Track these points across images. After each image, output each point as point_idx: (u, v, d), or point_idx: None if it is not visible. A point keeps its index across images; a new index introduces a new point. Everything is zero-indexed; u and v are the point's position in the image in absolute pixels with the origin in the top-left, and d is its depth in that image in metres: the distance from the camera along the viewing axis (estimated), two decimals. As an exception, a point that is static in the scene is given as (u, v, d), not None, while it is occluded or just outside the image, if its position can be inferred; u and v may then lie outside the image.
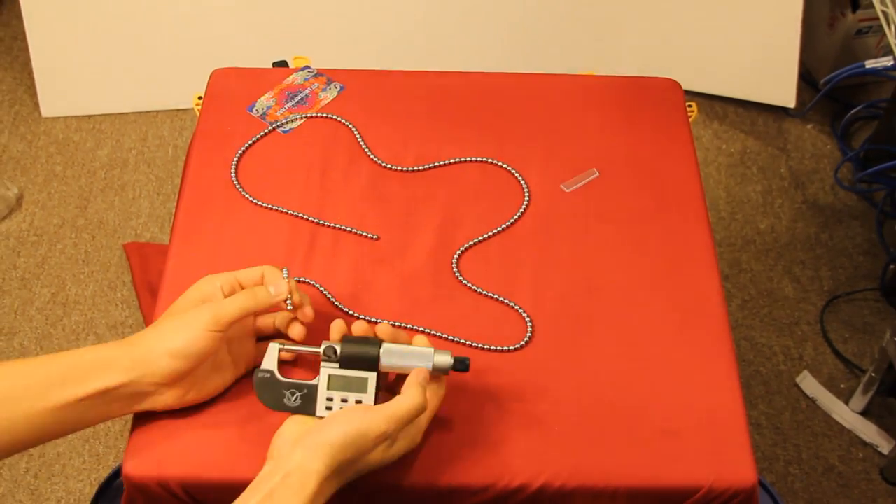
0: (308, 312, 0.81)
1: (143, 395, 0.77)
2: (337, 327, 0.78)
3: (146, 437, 0.80)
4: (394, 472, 0.78)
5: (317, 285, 0.92)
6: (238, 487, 0.71)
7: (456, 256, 0.95)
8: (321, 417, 0.76)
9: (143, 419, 0.81)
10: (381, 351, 0.77)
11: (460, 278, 0.94)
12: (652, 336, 0.89)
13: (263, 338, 0.84)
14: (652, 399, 0.85)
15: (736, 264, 1.66)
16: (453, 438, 0.82)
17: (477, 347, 0.89)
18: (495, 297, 0.92)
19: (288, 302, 0.79)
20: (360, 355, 0.77)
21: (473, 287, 0.93)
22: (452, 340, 0.89)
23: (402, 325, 0.89)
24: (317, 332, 0.83)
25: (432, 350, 0.77)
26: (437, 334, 0.89)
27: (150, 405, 0.78)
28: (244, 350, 0.82)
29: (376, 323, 0.88)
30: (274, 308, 0.80)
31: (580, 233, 0.97)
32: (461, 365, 0.78)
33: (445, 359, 0.77)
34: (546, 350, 0.89)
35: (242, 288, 0.80)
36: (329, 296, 0.91)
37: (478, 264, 0.95)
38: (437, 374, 0.78)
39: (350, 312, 0.90)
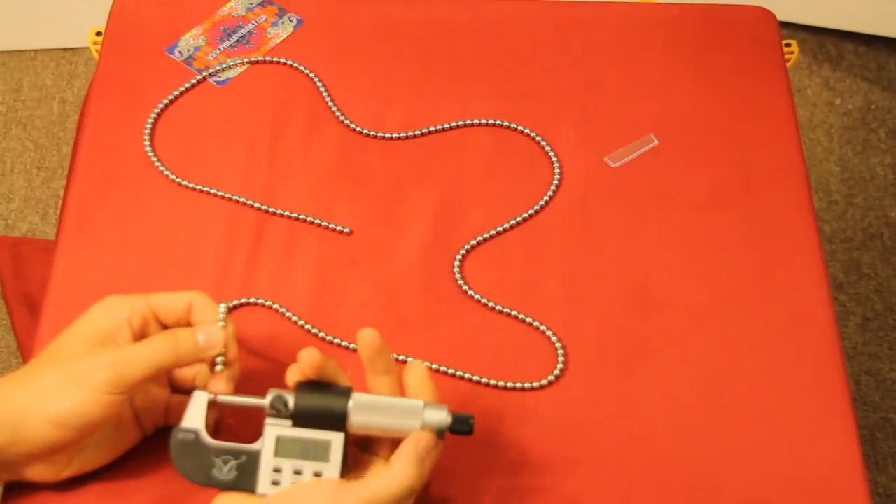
0: (236, 370, 0.82)
1: (8, 466, 0.78)
2: (305, 362, 0.77)
3: None
4: None
5: (268, 303, 0.93)
6: None
7: (459, 258, 0.96)
8: (264, 496, 0.77)
9: (17, 493, 0.81)
10: (352, 404, 0.77)
11: (465, 288, 0.95)
12: (731, 370, 0.91)
13: (179, 389, 0.85)
14: (731, 459, 0.86)
15: (854, 268, 1.67)
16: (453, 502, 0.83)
17: (487, 385, 0.89)
18: (513, 313, 0.93)
19: (220, 359, 0.80)
20: (322, 409, 0.77)
21: (483, 300, 0.94)
22: (453, 375, 0.90)
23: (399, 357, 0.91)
24: (263, 372, 0.83)
25: (421, 404, 0.78)
26: (432, 366, 0.90)
27: (14, 477, 0.79)
28: (153, 402, 0.83)
29: (348, 349, 0.89)
30: (201, 360, 0.80)
31: (631, 224, 0.98)
32: (462, 425, 0.79)
33: (440, 416, 0.78)
34: (583, 389, 0.90)
35: (159, 322, 0.81)
36: (283, 310, 0.92)
37: (489, 269, 0.96)
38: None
39: (317, 333, 0.91)
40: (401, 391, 0.80)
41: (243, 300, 0.93)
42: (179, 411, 0.79)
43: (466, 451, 0.85)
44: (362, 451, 0.81)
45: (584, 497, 0.84)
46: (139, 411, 0.82)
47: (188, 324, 0.81)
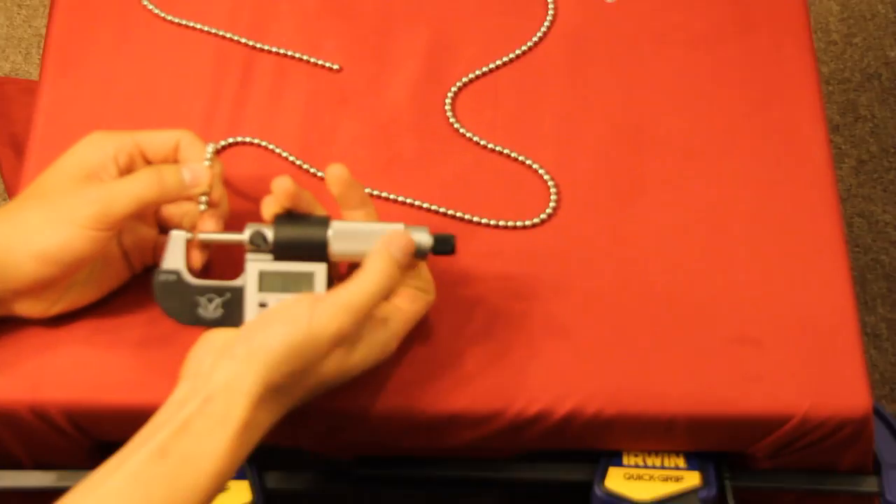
0: (225, 209, 0.82)
1: None
2: (280, 190, 0.76)
3: (14, 350, 0.82)
4: (368, 394, 0.81)
5: (256, 141, 0.93)
6: (141, 416, 0.72)
7: (451, 95, 0.96)
8: None
9: (8, 328, 0.82)
10: (331, 232, 0.77)
11: (457, 126, 0.95)
12: (725, 209, 0.91)
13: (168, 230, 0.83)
14: (724, 296, 0.87)
15: (851, 109, 1.65)
16: (446, 349, 0.83)
17: (480, 224, 0.90)
18: (505, 152, 0.93)
19: (203, 198, 0.80)
20: (302, 240, 0.77)
21: (475, 138, 0.94)
22: (444, 214, 0.90)
23: (374, 192, 0.91)
24: (253, 211, 0.82)
25: (402, 225, 0.78)
26: (423, 205, 0.90)
27: (4, 313, 0.80)
28: (141, 240, 0.83)
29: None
30: (184, 198, 0.80)
31: (628, 61, 0.98)
32: (443, 245, 0.78)
33: (421, 237, 0.78)
34: (576, 226, 0.90)
35: (146, 161, 0.80)
36: (273, 147, 0.92)
37: (482, 106, 0.95)
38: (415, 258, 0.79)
39: (308, 168, 0.91)
40: None
41: (231, 140, 0.93)
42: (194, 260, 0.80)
43: (458, 286, 0.85)
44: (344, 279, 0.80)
45: (574, 325, 0.85)
46: (127, 249, 0.82)
47: (175, 162, 0.80)
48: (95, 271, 0.81)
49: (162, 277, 0.77)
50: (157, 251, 0.82)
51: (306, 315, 0.73)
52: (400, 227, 0.77)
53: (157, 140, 0.80)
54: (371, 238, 0.77)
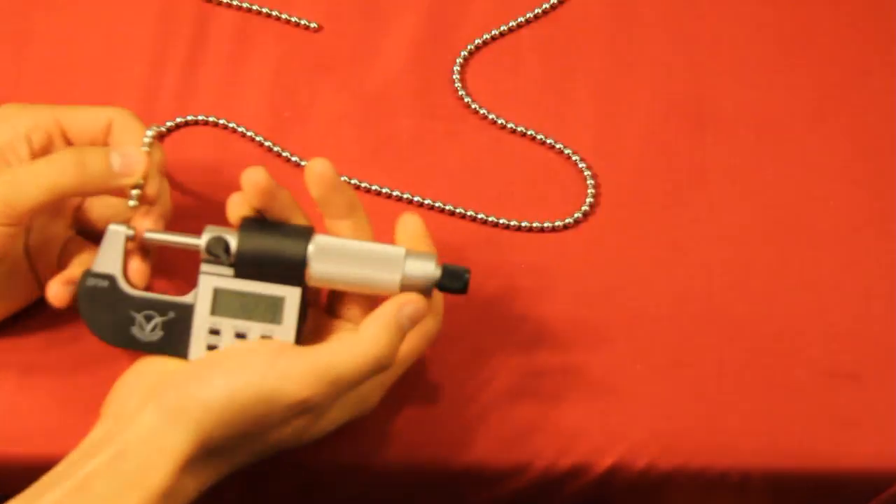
0: (167, 206, 0.80)
1: None
2: (250, 185, 0.74)
3: None
4: (355, 443, 0.80)
5: (211, 119, 0.92)
6: (44, 469, 0.71)
7: (460, 61, 0.95)
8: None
9: None
10: (313, 249, 0.75)
11: (468, 101, 0.93)
12: (809, 207, 0.90)
13: (88, 232, 0.83)
14: (809, 319, 0.86)
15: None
16: (456, 387, 0.82)
17: (497, 225, 0.88)
18: (530, 133, 0.92)
19: (135, 192, 0.78)
20: (273, 255, 0.75)
21: (491, 116, 0.93)
22: (451, 213, 0.89)
23: (360, 184, 0.89)
24: (208, 210, 0.82)
25: (402, 251, 0.75)
26: (424, 202, 0.89)
27: None
28: (54, 246, 0.82)
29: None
30: (113, 192, 0.79)
31: (685, 16, 0.97)
32: (453, 281, 0.76)
33: (425, 268, 0.75)
34: (619, 229, 0.89)
35: (67, 142, 0.80)
36: (234, 126, 0.92)
37: (499, 75, 0.95)
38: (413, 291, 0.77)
39: (279, 152, 0.91)
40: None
41: (180, 119, 0.92)
42: (81, 257, 0.79)
43: (471, 307, 0.84)
44: (329, 315, 0.79)
45: (617, 356, 0.83)
46: (36, 255, 0.80)
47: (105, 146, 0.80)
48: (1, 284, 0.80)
49: (90, 282, 0.75)
50: (66, 258, 0.81)
51: (263, 369, 0.71)
52: (400, 252, 0.75)
53: (82, 117, 0.79)
54: (362, 261, 0.75)
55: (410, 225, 0.77)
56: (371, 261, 0.75)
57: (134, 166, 0.77)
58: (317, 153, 0.84)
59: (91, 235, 0.82)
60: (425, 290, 0.75)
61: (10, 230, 0.74)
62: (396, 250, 0.75)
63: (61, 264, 0.80)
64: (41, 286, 0.80)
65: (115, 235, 0.76)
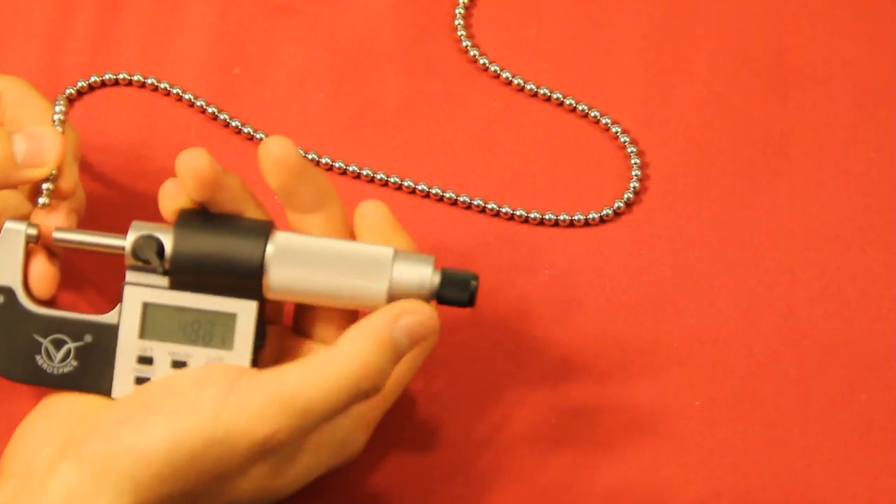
0: (80, 199, 0.78)
1: None
2: (188, 172, 0.71)
3: None
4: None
5: (137, 77, 0.90)
6: None
7: (464, 2, 0.93)
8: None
9: None
10: (272, 250, 0.71)
11: (474, 54, 0.91)
12: None
13: None
14: None
15: None
16: (462, 431, 0.79)
17: (512, 218, 0.86)
18: (556, 97, 0.90)
19: (46, 186, 0.75)
20: (220, 258, 0.72)
21: (504, 75, 0.90)
22: (453, 202, 0.86)
23: (333, 163, 0.87)
24: (132, 200, 0.83)
25: (391, 252, 0.72)
26: (417, 187, 0.87)
27: None
28: None
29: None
30: (16, 184, 0.76)
31: None
32: (457, 290, 0.72)
33: (420, 273, 0.72)
34: (671, 224, 0.86)
35: None
36: (168, 87, 0.90)
37: (516, 22, 0.93)
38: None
39: (226, 121, 0.88)
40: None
41: (95, 79, 0.89)
42: None
43: (478, 329, 0.81)
44: (297, 334, 0.76)
45: (669, 392, 0.80)
46: None
47: None
48: None
49: None
50: None
51: (216, 405, 0.68)
52: (386, 253, 0.71)
53: None
54: (338, 265, 0.72)
55: (371, 215, 0.75)
56: (348, 265, 0.71)
57: (45, 154, 0.74)
58: (275, 123, 0.88)
59: None
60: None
61: None
62: (382, 251, 0.71)
63: None
64: None
65: (13, 235, 0.74)
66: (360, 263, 0.72)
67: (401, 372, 0.75)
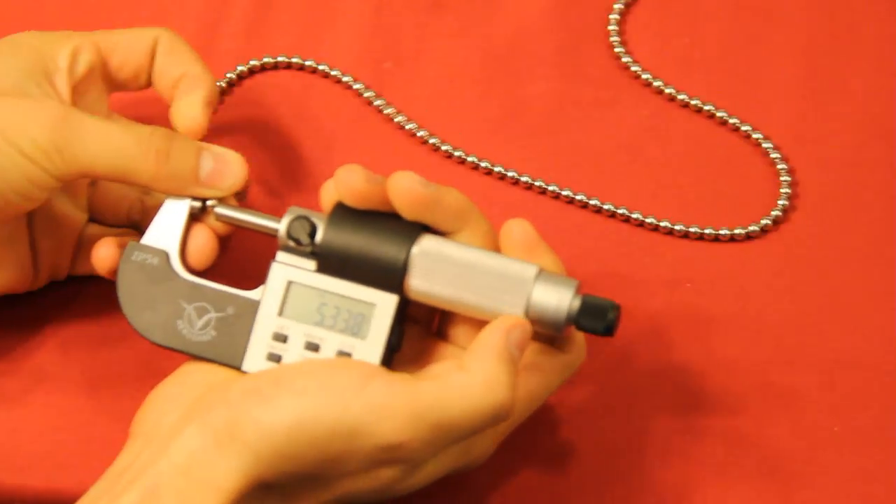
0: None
1: None
2: (344, 186, 0.73)
3: None
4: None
5: (295, 59, 0.91)
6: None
7: (619, 8, 0.93)
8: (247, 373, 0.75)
9: None
10: (417, 250, 0.72)
11: (626, 61, 0.91)
12: None
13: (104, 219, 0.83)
14: None
15: None
16: (586, 443, 0.78)
17: (657, 229, 0.85)
18: (707, 108, 0.90)
19: (213, 203, 0.76)
20: (366, 252, 0.73)
21: (656, 83, 0.90)
22: (596, 209, 0.86)
23: (480, 162, 0.86)
24: (286, 187, 0.82)
25: (534, 270, 0.71)
26: (561, 192, 0.86)
27: None
28: (62, 228, 0.82)
29: (426, 144, 0.87)
30: (189, 195, 0.77)
31: None
32: (595, 318, 0.72)
33: (559, 296, 0.71)
34: (823, 242, 0.85)
35: (109, 74, 0.79)
36: (327, 69, 0.90)
37: (671, 31, 0.93)
38: (539, 328, 0.73)
39: (375, 103, 0.89)
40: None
41: (254, 63, 0.90)
42: (100, 258, 0.76)
43: (609, 343, 0.77)
44: (434, 335, 0.77)
45: (810, 440, 0.78)
46: (37, 229, 0.80)
47: (147, 81, 0.79)
48: None
49: (136, 256, 0.74)
50: (81, 252, 0.81)
51: (347, 396, 0.68)
52: (529, 271, 0.71)
53: (125, 42, 0.79)
54: (480, 275, 0.72)
55: (517, 231, 0.74)
56: (490, 277, 0.72)
57: (226, 179, 0.76)
58: (423, 119, 0.87)
59: (102, 221, 0.82)
60: (554, 327, 0.72)
61: (46, 181, 0.73)
62: (526, 268, 0.71)
63: (77, 264, 0.81)
64: (37, 272, 0.80)
65: (179, 204, 0.76)
66: (501, 277, 0.72)
67: (540, 385, 0.74)
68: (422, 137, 0.87)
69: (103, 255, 0.76)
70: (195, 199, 0.77)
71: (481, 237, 0.74)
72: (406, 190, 0.72)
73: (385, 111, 0.89)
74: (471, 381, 0.69)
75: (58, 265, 0.81)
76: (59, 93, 0.77)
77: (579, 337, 0.75)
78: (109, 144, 0.74)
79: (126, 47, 0.79)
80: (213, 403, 0.69)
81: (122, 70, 0.79)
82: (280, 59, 0.91)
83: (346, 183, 0.73)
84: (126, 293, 0.75)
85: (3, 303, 0.81)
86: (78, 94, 0.78)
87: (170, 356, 0.74)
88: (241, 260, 0.82)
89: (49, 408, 0.79)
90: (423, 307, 0.75)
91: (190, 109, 0.79)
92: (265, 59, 0.90)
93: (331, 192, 0.75)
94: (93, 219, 0.82)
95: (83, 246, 0.80)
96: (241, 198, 0.80)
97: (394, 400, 0.68)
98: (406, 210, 0.73)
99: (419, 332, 0.76)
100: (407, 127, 0.87)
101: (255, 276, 0.76)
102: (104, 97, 0.80)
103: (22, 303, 0.81)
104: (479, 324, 0.73)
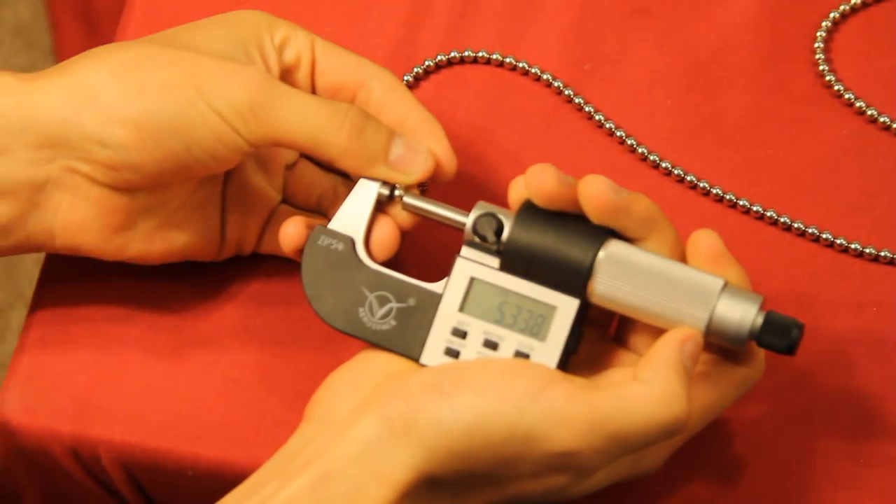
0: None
1: (46, 187, 0.77)
2: (534, 186, 0.73)
3: (61, 358, 0.80)
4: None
5: (495, 56, 0.90)
6: (239, 479, 0.71)
7: (826, 25, 0.91)
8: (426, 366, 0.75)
9: (63, 330, 0.81)
10: (603, 255, 0.72)
11: (830, 79, 0.89)
12: None
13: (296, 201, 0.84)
14: None
15: None
16: (758, 457, 0.78)
17: (847, 251, 0.84)
18: None
19: (400, 192, 0.77)
20: (551, 253, 0.73)
21: (859, 104, 0.88)
22: (787, 227, 0.85)
23: (673, 168, 0.86)
24: (475, 182, 0.81)
25: (720, 283, 0.71)
26: (752, 208, 0.85)
27: (65, 242, 0.79)
28: (253, 204, 0.83)
29: (625, 145, 0.86)
30: (372, 175, 0.78)
31: None
32: (778, 335, 0.71)
33: (743, 311, 0.71)
34: None
35: (312, 77, 0.80)
36: (526, 66, 0.90)
37: (879, 51, 0.91)
38: (720, 342, 0.72)
39: (575, 99, 0.88)
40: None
41: (454, 54, 0.90)
42: (288, 235, 0.77)
43: (787, 360, 0.77)
44: (615, 341, 0.76)
45: None
46: (229, 200, 0.81)
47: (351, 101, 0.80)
48: (185, 211, 0.80)
49: (322, 241, 0.75)
50: (269, 230, 0.82)
51: (524, 400, 0.68)
52: (715, 284, 0.71)
53: (339, 61, 0.79)
54: (665, 284, 0.71)
55: (704, 243, 0.73)
56: (675, 287, 0.71)
57: (411, 168, 0.76)
58: (619, 123, 0.87)
59: (294, 203, 0.83)
60: (736, 341, 0.71)
61: (240, 146, 0.74)
62: (712, 280, 0.71)
63: (263, 242, 0.82)
64: (223, 242, 0.82)
65: (366, 190, 0.76)
66: (686, 288, 0.71)
67: (714, 398, 0.74)
68: (619, 137, 0.87)
69: (291, 231, 0.76)
70: (384, 185, 0.77)
71: (668, 246, 0.73)
72: (596, 194, 0.71)
73: (584, 108, 0.88)
74: (649, 394, 0.69)
75: (245, 240, 0.82)
76: (269, 67, 0.78)
77: (759, 353, 0.74)
78: (305, 113, 0.75)
79: (339, 66, 0.80)
80: (391, 394, 0.69)
81: (323, 81, 0.80)
82: (480, 53, 0.90)
83: (537, 182, 0.72)
84: (310, 277, 0.75)
85: (186, 270, 0.82)
86: (283, 78, 0.79)
87: (348, 341, 0.75)
88: (422, 251, 0.82)
89: (227, 381, 0.80)
90: (603, 310, 0.74)
91: (443, 152, 0.78)
92: (465, 53, 0.90)
93: (520, 190, 0.74)
94: (285, 201, 0.83)
95: (272, 225, 0.81)
96: (421, 190, 0.80)
97: (571, 407, 0.68)
98: (595, 214, 0.72)
99: (597, 335, 0.75)
100: (606, 126, 0.87)
101: (434, 267, 0.77)
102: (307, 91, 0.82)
103: (206, 272, 0.82)
104: (659, 332, 0.72)
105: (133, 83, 0.75)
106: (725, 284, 0.71)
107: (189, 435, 0.78)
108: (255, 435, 0.77)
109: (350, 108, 0.76)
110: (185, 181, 0.78)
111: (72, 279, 0.83)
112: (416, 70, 0.86)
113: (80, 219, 0.78)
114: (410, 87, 0.86)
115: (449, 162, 0.79)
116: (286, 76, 0.79)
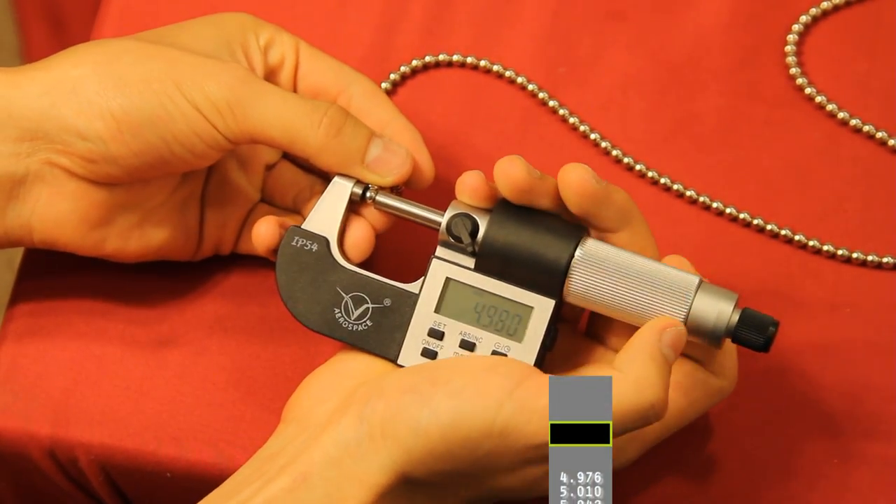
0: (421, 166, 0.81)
1: (26, 180, 0.77)
2: (503, 178, 0.72)
3: (40, 360, 0.81)
4: None
5: (470, 59, 0.91)
6: (208, 481, 0.73)
7: (797, 28, 0.92)
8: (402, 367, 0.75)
9: (43, 333, 0.81)
10: (580, 254, 0.72)
11: (801, 82, 0.90)
12: None
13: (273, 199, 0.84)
14: None
15: None
16: (734, 457, 0.78)
17: (819, 252, 0.84)
18: (880, 135, 0.88)
19: (374, 192, 0.77)
20: (527, 253, 0.73)
21: (830, 107, 0.89)
22: (761, 229, 0.85)
23: (648, 171, 0.87)
24: (449, 180, 0.79)
25: (696, 280, 0.72)
26: (726, 210, 0.86)
27: (43, 236, 0.79)
28: (232, 204, 0.83)
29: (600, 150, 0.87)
30: (350, 175, 0.78)
31: None
32: (754, 331, 0.72)
33: (719, 308, 0.72)
34: None
35: (294, 79, 0.81)
36: (500, 69, 0.90)
37: (850, 54, 0.92)
38: (696, 338, 0.73)
39: (549, 103, 0.89)
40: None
41: (429, 59, 0.90)
42: (260, 235, 0.77)
43: (764, 361, 0.79)
44: (588, 337, 0.77)
45: None
46: (208, 199, 0.81)
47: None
48: (165, 210, 0.80)
49: (296, 241, 0.75)
50: (246, 230, 0.82)
51: (500, 396, 0.68)
52: (691, 281, 0.72)
53: (321, 66, 0.80)
54: (642, 282, 0.72)
55: (674, 259, 0.75)
56: (651, 285, 0.72)
57: (389, 170, 0.76)
58: (593, 126, 0.87)
59: (271, 202, 0.83)
60: (712, 337, 0.71)
61: (219, 142, 0.74)
62: (688, 278, 0.71)
63: (241, 241, 0.82)
64: (201, 241, 0.82)
65: (340, 190, 0.76)
66: (663, 286, 0.72)
67: (691, 408, 0.74)
68: (593, 140, 0.87)
69: (263, 231, 0.77)
70: (358, 184, 0.77)
71: (641, 239, 0.74)
72: (578, 181, 0.72)
73: (559, 112, 0.89)
74: (621, 380, 0.69)
75: (223, 239, 0.82)
76: (253, 68, 0.79)
77: (732, 366, 0.75)
78: (284, 109, 0.75)
79: (321, 71, 0.80)
80: (369, 396, 0.70)
81: (304, 85, 0.81)
82: (455, 57, 0.90)
83: (506, 174, 0.72)
84: (284, 277, 0.76)
85: (165, 268, 0.82)
86: (267, 79, 0.79)
87: (326, 342, 0.76)
88: (398, 251, 0.82)
89: (205, 382, 0.80)
90: (573, 306, 0.75)
91: (422, 159, 0.79)
92: (440, 56, 0.90)
93: (507, 169, 0.73)
94: (264, 200, 0.83)
95: (249, 225, 0.81)
96: (396, 192, 0.80)
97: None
98: (575, 202, 0.72)
99: (569, 330, 0.76)
100: (580, 129, 0.87)
101: (410, 267, 0.77)
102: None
103: (185, 271, 0.82)
104: (634, 328, 0.73)
105: (113, 76, 0.75)
106: (701, 281, 0.72)
107: (167, 437, 0.78)
108: (233, 437, 0.77)
109: (330, 107, 0.76)
110: (164, 177, 0.78)
111: (50, 278, 0.83)
112: (392, 76, 0.87)
113: (58, 213, 0.78)
114: (388, 93, 0.87)
115: (427, 169, 0.79)
116: (270, 77, 0.80)
